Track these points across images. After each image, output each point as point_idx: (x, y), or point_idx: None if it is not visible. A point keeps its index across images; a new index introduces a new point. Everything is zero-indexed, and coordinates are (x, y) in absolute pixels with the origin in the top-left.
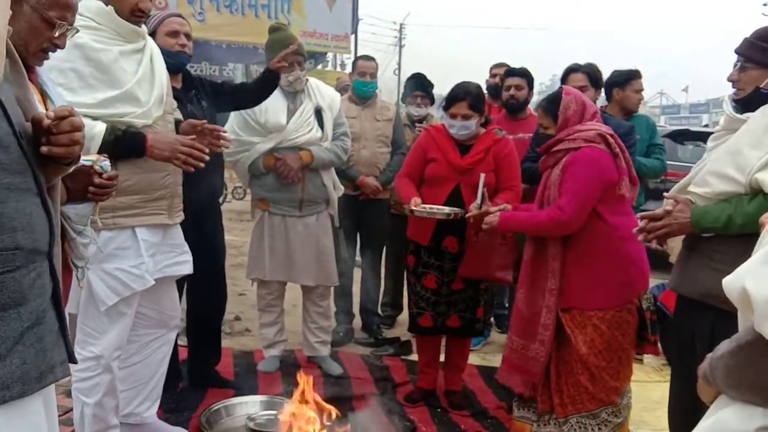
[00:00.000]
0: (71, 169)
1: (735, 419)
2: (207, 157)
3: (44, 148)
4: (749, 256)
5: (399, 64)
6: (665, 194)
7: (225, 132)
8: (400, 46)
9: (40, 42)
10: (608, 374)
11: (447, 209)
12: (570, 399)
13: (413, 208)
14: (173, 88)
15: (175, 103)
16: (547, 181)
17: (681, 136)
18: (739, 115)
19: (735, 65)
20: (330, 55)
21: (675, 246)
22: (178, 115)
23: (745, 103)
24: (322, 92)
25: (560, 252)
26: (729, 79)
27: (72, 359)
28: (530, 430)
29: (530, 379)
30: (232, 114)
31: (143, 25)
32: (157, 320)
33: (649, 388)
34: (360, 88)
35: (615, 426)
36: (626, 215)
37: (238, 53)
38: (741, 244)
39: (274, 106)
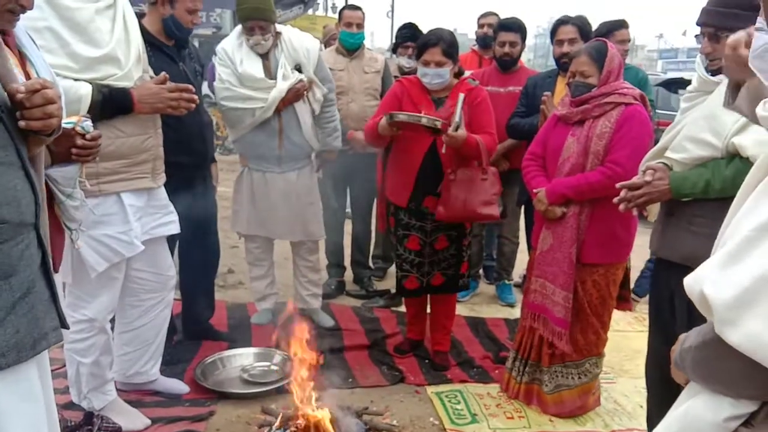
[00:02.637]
0: (52, 140)
1: (705, 409)
2: (196, 97)
3: (22, 123)
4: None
5: (392, 5)
6: (643, 165)
7: (193, 90)
8: None
9: (5, 3)
10: (599, 326)
11: (431, 117)
12: (560, 350)
13: (393, 113)
14: (165, 45)
15: (146, 62)
16: (589, 131)
17: (675, 85)
18: (712, 78)
19: (702, 36)
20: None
21: (652, 207)
22: (152, 73)
23: (721, 70)
24: (296, 46)
25: (579, 205)
26: (702, 52)
27: (64, 324)
28: (514, 378)
29: (557, 324)
30: (218, 66)
31: None
32: (156, 283)
33: (630, 337)
34: (347, 40)
35: (593, 376)
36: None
37: None
38: (719, 208)
39: (248, 63)
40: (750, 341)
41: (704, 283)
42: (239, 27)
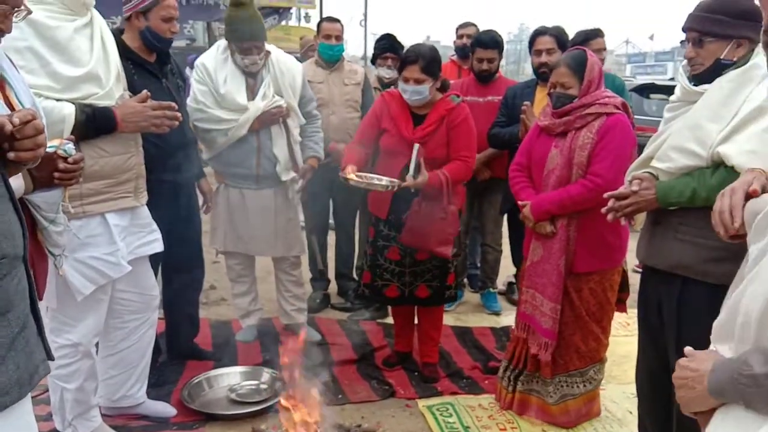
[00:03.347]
0: (33, 166)
1: None
2: (179, 114)
3: (11, 154)
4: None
5: (365, 14)
6: (629, 174)
7: (176, 108)
8: None
9: None
10: (599, 332)
11: (386, 180)
12: (561, 359)
13: (348, 176)
14: (146, 62)
15: (125, 80)
16: (572, 143)
17: (647, 90)
18: (695, 88)
19: (687, 41)
20: (294, 9)
21: (639, 216)
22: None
23: (702, 76)
24: (283, 70)
25: (568, 217)
26: (686, 57)
27: (50, 356)
28: (507, 390)
29: (543, 335)
30: (194, 83)
31: None
32: (140, 303)
33: (616, 342)
34: (326, 52)
35: (597, 382)
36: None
37: (199, 10)
38: (703, 217)
39: (233, 82)
40: None
41: None
42: (222, 42)
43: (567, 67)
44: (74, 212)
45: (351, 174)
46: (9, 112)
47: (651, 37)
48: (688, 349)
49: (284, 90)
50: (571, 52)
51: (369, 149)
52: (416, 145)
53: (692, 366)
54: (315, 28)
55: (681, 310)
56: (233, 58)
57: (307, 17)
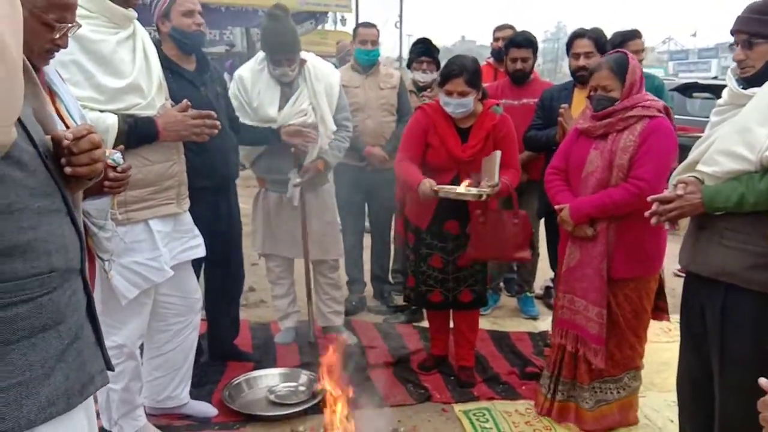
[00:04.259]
0: (93, 183)
1: None
2: (218, 123)
3: (68, 169)
4: (758, 232)
5: (400, 16)
6: (674, 178)
7: (215, 117)
8: None
9: (42, 45)
10: (634, 340)
11: (474, 190)
12: (596, 366)
13: (435, 188)
14: (185, 70)
15: (167, 90)
16: (613, 145)
17: (690, 89)
18: (744, 91)
19: (735, 44)
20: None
21: (682, 221)
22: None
23: (752, 79)
24: (319, 76)
25: (607, 221)
26: (735, 59)
27: (109, 367)
28: (546, 396)
29: (592, 342)
30: (231, 96)
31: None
32: (183, 306)
33: (657, 349)
34: (362, 57)
35: (633, 390)
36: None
37: (238, 16)
38: (750, 222)
39: (267, 93)
40: None
41: None
42: (261, 53)
43: (609, 69)
44: (119, 219)
45: (436, 186)
46: (61, 124)
47: (694, 34)
48: (763, 380)
49: (320, 97)
50: (613, 54)
51: (419, 164)
52: (497, 153)
53: None
54: (351, 32)
55: (725, 317)
56: (269, 68)
57: (344, 20)
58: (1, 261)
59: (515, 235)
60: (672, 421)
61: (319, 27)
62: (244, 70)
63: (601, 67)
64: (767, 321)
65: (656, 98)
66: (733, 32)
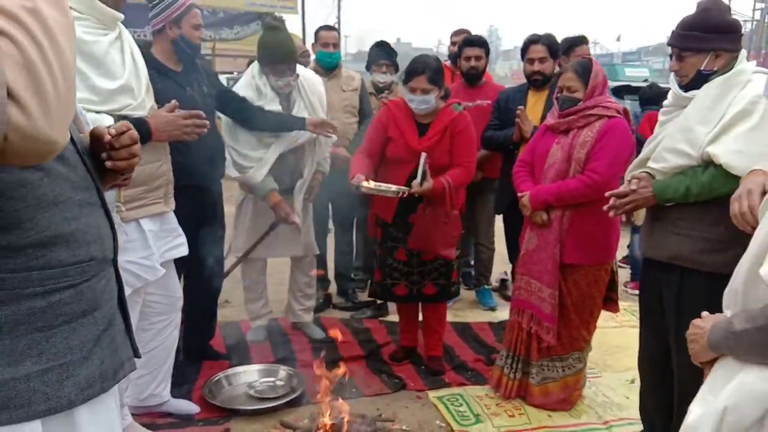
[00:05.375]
0: (124, 178)
1: (758, 380)
2: (208, 122)
3: (108, 163)
4: (706, 220)
5: (339, 18)
6: (628, 174)
7: (204, 116)
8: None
9: None
10: (580, 324)
11: (395, 187)
12: (545, 343)
13: (361, 184)
14: (171, 71)
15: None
16: (573, 140)
17: (621, 91)
18: (685, 93)
19: (671, 56)
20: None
21: (639, 212)
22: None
23: (688, 86)
24: (311, 89)
25: (561, 209)
26: (671, 70)
27: (137, 354)
28: (508, 377)
29: (545, 320)
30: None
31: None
32: (166, 305)
33: (608, 333)
34: (324, 59)
35: (577, 371)
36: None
37: None
38: (697, 211)
39: (270, 106)
40: None
41: None
42: (255, 69)
43: (574, 72)
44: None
45: (364, 182)
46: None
47: (618, 38)
48: (704, 313)
49: (316, 109)
50: (579, 60)
51: (375, 159)
52: (423, 154)
53: (700, 324)
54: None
55: (680, 298)
56: (269, 81)
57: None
58: (49, 249)
59: (444, 233)
60: (628, 398)
61: None
62: (245, 90)
63: (567, 70)
64: (719, 300)
65: (616, 101)
66: (668, 45)
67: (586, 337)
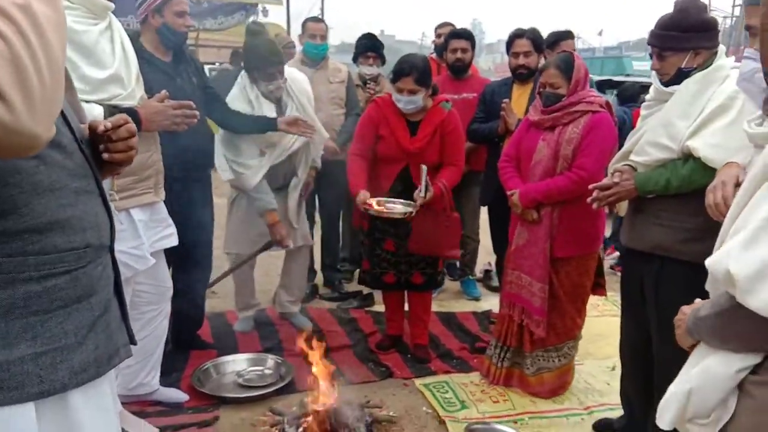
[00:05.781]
0: (122, 169)
1: (719, 365)
2: (197, 112)
3: (105, 155)
4: (686, 211)
5: (322, 9)
6: (611, 167)
7: (194, 107)
8: None
9: None
10: (574, 313)
11: (401, 207)
12: (538, 335)
13: (368, 208)
14: (161, 61)
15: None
16: (559, 137)
17: (604, 85)
18: (666, 89)
19: (651, 55)
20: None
21: (622, 204)
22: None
23: (668, 83)
24: (299, 89)
25: (551, 206)
26: (652, 68)
27: (133, 341)
28: (496, 365)
29: (535, 313)
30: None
31: None
32: (156, 294)
33: (589, 322)
34: (311, 51)
35: (571, 358)
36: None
37: None
38: (678, 203)
39: (265, 113)
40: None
41: (729, 263)
42: (240, 79)
43: (557, 68)
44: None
45: (373, 202)
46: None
47: (600, 33)
48: (697, 299)
49: (307, 109)
50: (560, 54)
51: (369, 160)
52: (423, 167)
53: (684, 311)
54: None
55: (660, 286)
56: (258, 87)
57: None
58: (45, 235)
59: (447, 235)
60: (609, 384)
61: (251, 19)
62: (238, 103)
63: (549, 65)
64: (698, 288)
65: (599, 95)
66: (648, 44)
67: (579, 324)
